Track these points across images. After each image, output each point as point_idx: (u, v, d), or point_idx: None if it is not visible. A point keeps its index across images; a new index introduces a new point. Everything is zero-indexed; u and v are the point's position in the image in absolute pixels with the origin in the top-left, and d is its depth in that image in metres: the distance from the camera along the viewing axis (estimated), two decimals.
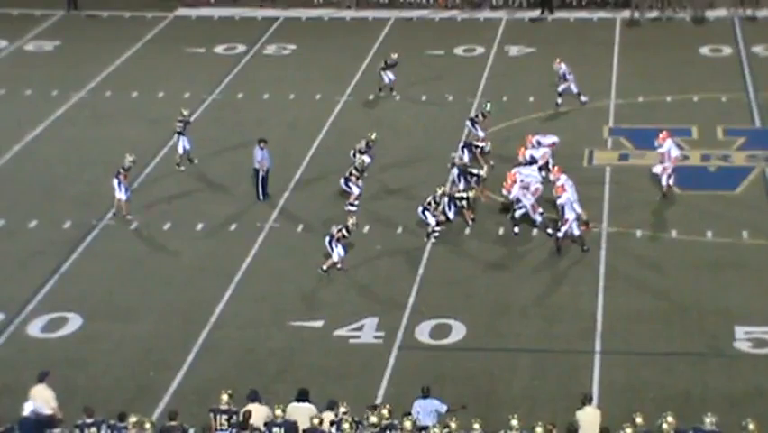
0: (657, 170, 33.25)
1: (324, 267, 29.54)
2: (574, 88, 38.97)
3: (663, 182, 33.05)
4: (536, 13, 49.61)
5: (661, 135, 33.32)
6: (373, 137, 34.38)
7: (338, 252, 29.52)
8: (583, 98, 39.21)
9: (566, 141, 36.33)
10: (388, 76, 40.67)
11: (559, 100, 39.10)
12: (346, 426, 21.18)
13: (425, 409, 22.62)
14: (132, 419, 21.84)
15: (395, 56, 40.67)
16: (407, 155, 36.17)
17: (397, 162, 35.59)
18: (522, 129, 35.99)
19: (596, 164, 35.57)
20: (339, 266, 29.63)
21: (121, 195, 32.45)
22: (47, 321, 28.15)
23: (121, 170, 32.43)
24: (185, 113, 35.45)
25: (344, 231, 29.66)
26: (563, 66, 38.96)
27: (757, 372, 25.52)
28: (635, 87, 41.13)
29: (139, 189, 34.32)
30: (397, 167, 35.31)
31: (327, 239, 29.58)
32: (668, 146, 33.03)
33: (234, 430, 22.00)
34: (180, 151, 35.28)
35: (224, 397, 22.47)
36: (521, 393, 25.04)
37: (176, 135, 35.33)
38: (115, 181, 32.45)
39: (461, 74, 43.09)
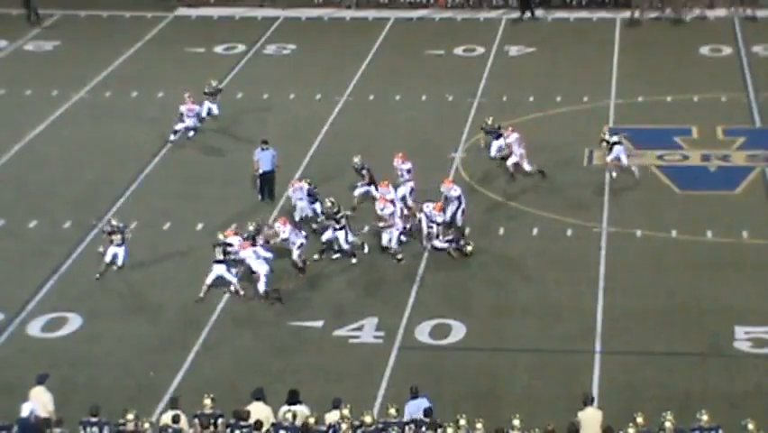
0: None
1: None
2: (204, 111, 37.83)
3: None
4: (529, 14, 49.24)
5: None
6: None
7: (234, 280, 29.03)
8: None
9: (566, 141, 36.38)
10: (210, 106, 37.93)
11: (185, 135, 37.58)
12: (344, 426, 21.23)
13: (419, 409, 22.57)
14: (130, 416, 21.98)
15: (215, 84, 38.57)
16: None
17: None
18: (522, 129, 35.85)
19: (596, 164, 35.55)
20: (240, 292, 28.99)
21: None
22: (47, 321, 28.15)
23: None
24: None
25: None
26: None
27: (757, 371, 25.53)
28: (635, 87, 41.10)
29: (139, 189, 34.32)
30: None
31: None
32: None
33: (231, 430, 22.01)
34: None
35: (207, 402, 22.44)
36: (521, 393, 25.04)
37: None
38: None
39: (461, 74, 43.08)
